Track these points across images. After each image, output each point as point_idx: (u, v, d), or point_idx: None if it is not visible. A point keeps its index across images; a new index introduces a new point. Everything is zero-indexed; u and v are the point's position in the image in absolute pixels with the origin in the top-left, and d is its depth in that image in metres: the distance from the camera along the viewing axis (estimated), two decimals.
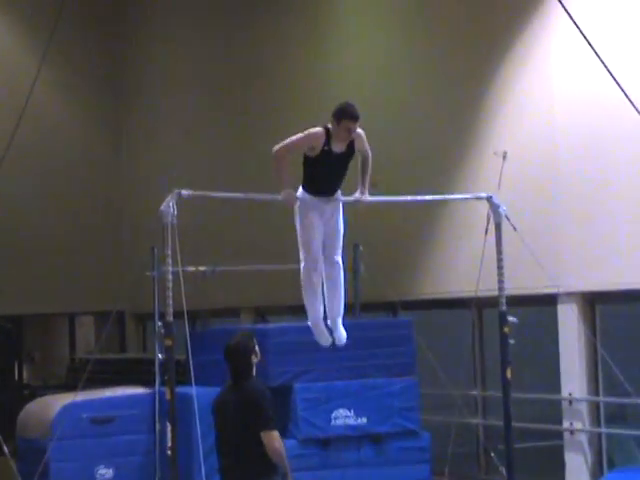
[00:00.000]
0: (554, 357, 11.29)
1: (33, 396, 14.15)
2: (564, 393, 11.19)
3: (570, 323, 11.04)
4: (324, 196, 8.11)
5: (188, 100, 16.69)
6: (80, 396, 10.40)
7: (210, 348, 10.48)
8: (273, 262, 12.20)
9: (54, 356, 19.15)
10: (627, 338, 11.25)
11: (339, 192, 8.24)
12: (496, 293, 9.26)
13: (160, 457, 10.45)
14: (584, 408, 11.06)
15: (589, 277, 10.87)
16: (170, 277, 7.84)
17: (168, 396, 7.87)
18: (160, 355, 10.55)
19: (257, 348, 7.70)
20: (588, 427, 11.02)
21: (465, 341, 12.16)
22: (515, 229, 9.00)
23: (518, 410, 10.09)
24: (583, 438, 11.04)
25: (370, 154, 8.20)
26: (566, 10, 8.85)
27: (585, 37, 8.65)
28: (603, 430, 11.06)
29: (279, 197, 7.99)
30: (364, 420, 10.63)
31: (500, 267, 9.16)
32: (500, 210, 9.08)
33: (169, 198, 7.84)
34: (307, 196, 8.08)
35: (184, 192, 7.91)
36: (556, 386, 11.30)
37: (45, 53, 10.99)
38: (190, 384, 8.30)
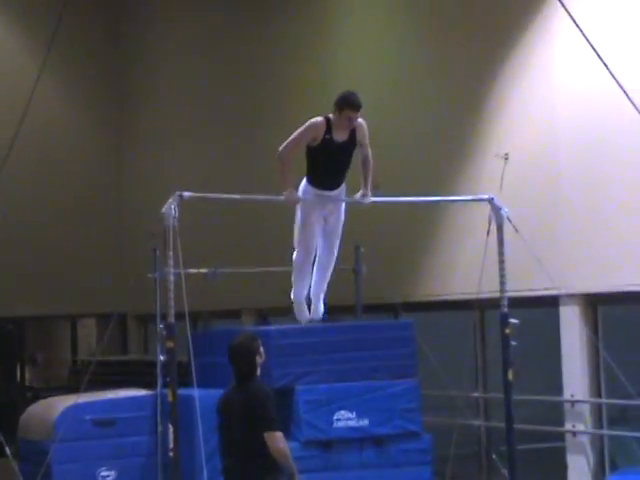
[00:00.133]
0: (556, 359, 11.29)
1: (35, 398, 14.14)
2: (566, 395, 11.19)
3: (572, 324, 11.04)
4: (327, 189, 8.14)
5: (190, 102, 16.70)
6: (82, 398, 10.40)
7: (212, 350, 10.49)
8: (275, 264, 12.20)
9: (56, 358, 19.15)
10: (629, 340, 11.25)
11: (343, 187, 8.25)
12: (498, 295, 9.27)
13: (162, 459, 10.45)
14: (586, 410, 11.05)
15: (591, 278, 10.87)
16: (172, 279, 7.85)
17: (170, 398, 7.89)
18: (162, 357, 10.55)
19: (261, 349, 7.69)
20: (590, 429, 11.02)
21: (467, 343, 12.16)
22: (517, 230, 9.01)
23: (520, 412, 10.09)
24: (585, 440, 11.04)
25: (369, 151, 8.24)
26: (568, 12, 8.86)
27: (587, 39, 8.67)
28: (605, 432, 11.06)
29: (281, 197, 8.02)
30: (366, 422, 10.62)
31: (502, 269, 9.17)
32: (502, 212, 9.09)
33: (170, 200, 7.86)
34: (310, 191, 8.11)
35: (185, 194, 7.93)
36: (558, 388, 11.29)
37: (46, 56, 11.01)
38: (192, 386, 8.30)
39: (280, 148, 7.95)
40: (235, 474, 7.56)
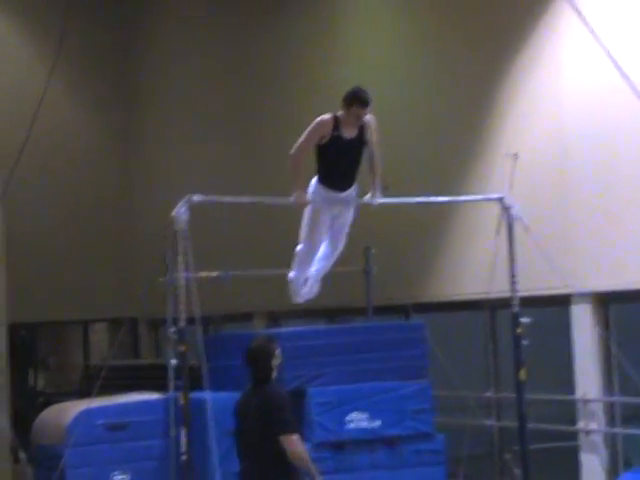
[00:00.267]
0: (568, 357, 11.27)
1: (48, 403, 14.14)
2: (578, 394, 11.16)
3: (584, 323, 11.02)
4: (338, 190, 8.12)
5: (198, 104, 16.71)
6: (95, 403, 10.42)
7: (223, 353, 10.50)
8: (286, 266, 12.20)
9: (68, 363, 19.17)
10: None
11: (353, 188, 8.23)
12: (509, 294, 9.26)
13: (175, 462, 10.46)
14: (599, 408, 11.03)
15: (602, 277, 10.85)
16: (183, 283, 7.86)
17: (182, 401, 7.89)
18: (173, 361, 10.56)
19: (278, 352, 7.65)
20: (603, 427, 10.99)
21: (478, 343, 12.14)
22: (527, 229, 9.00)
23: (532, 411, 10.08)
24: (598, 439, 11.01)
25: (378, 149, 8.19)
26: (576, 10, 8.85)
27: (596, 37, 8.66)
28: (618, 430, 11.03)
29: (290, 199, 8.02)
30: (378, 423, 10.61)
31: (512, 268, 9.16)
32: (512, 211, 9.08)
33: (181, 204, 7.88)
34: (320, 191, 8.09)
35: (196, 197, 7.95)
36: (570, 387, 11.27)
37: (55, 61, 11.04)
38: (204, 389, 8.30)
39: (291, 150, 7.97)
40: (252, 477, 7.53)
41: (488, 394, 12.34)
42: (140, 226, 17.64)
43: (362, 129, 8.06)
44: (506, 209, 9.10)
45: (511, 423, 10.86)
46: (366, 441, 10.59)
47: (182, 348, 7.97)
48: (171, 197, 8.19)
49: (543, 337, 10.74)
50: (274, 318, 15.41)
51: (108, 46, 18.02)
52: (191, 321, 7.84)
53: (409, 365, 10.92)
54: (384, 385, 10.73)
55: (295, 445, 7.38)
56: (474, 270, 11.89)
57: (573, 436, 11.35)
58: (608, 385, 11.09)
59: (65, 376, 18.71)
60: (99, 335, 19.07)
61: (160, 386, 11.13)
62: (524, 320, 9.15)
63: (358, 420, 10.55)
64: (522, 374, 9.11)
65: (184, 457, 7.92)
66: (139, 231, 17.65)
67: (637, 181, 10.61)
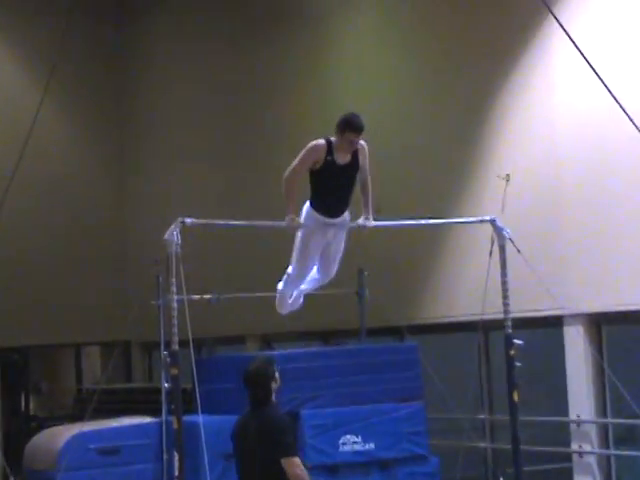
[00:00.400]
0: (561, 379, 11.26)
1: (40, 427, 14.12)
2: (572, 415, 11.15)
3: (576, 345, 11.02)
4: (331, 217, 8.11)
5: (192, 126, 16.73)
6: (87, 426, 10.38)
7: (217, 376, 10.48)
8: None
9: (61, 387, 19.10)
10: (634, 359, 11.22)
11: (346, 215, 8.23)
12: (502, 316, 9.24)
13: None
14: (592, 430, 11.02)
15: (595, 298, 10.86)
16: (175, 306, 7.84)
17: (175, 425, 7.86)
18: (166, 384, 10.53)
19: (277, 374, 7.63)
20: (597, 449, 10.97)
21: (472, 364, 12.13)
22: (519, 251, 8.99)
23: (526, 433, 10.05)
24: (592, 460, 11.00)
25: (369, 175, 8.20)
26: (566, 32, 8.88)
27: (586, 60, 8.68)
28: (612, 452, 11.02)
29: (282, 223, 8.02)
30: (372, 446, 10.59)
31: (505, 290, 9.15)
32: (504, 233, 9.08)
33: (173, 227, 7.85)
34: (313, 216, 8.09)
35: (188, 220, 7.92)
36: (564, 408, 11.26)
37: (49, 81, 11.01)
38: (197, 412, 8.27)
39: (285, 174, 7.96)
40: None
41: (482, 416, 12.33)
42: (133, 249, 17.62)
43: (355, 154, 8.05)
44: (498, 231, 9.09)
45: (505, 445, 10.85)
46: (360, 464, 10.57)
47: (175, 371, 7.92)
48: (164, 220, 8.18)
49: (536, 358, 10.74)
50: (267, 340, 15.38)
51: (102, 69, 18.03)
52: (184, 344, 7.81)
53: (403, 387, 10.91)
54: (378, 407, 10.72)
55: (296, 468, 7.33)
56: (467, 292, 11.90)
57: (567, 457, 11.33)
58: (601, 406, 11.08)
59: (57, 400, 18.64)
60: (91, 358, 19.02)
61: (153, 410, 11.11)
62: (517, 342, 9.14)
63: (352, 443, 10.53)
64: (515, 396, 9.09)
65: None
66: (132, 254, 17.63)
67: (630, 203, 10.63)
